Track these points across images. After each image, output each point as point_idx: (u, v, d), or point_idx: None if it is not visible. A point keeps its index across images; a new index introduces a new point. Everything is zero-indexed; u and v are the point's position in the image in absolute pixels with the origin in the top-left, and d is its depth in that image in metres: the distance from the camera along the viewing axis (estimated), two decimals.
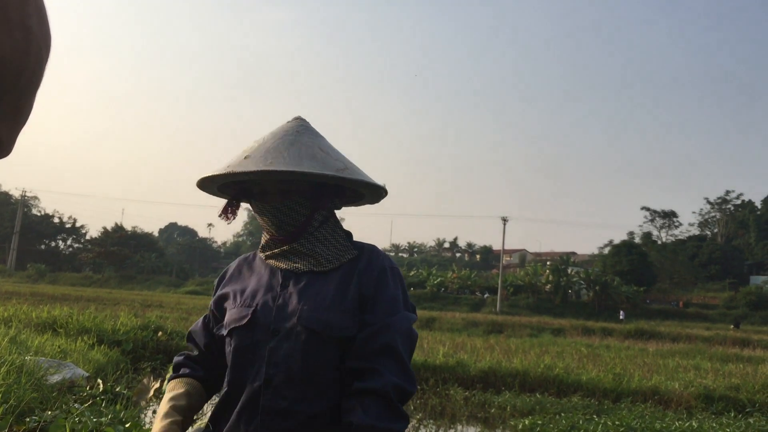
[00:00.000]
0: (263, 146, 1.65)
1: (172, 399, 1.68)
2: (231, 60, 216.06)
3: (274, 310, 1.63)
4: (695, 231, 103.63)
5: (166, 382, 1.87)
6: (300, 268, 1.68)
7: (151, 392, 5.62)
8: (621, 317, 48.45)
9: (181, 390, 1.70)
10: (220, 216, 1.81)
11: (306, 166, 1.57)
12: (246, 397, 1.59)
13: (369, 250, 1.75)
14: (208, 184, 1.75)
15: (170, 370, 1.86)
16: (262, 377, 1.58)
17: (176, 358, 1.83)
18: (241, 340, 1.64)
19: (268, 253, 1.74)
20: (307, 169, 1.56)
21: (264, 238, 1.77)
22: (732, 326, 44.04)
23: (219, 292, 1.79)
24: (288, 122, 1.77)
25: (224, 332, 1.70)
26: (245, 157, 1.61)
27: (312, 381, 1.57)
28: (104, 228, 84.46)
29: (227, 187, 1.77)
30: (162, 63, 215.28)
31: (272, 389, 1.57)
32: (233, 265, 1.85)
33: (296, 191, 1.66)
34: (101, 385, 7.38)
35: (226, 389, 1.66)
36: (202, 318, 1.86)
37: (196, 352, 1.81)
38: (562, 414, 9.32)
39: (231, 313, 1.69)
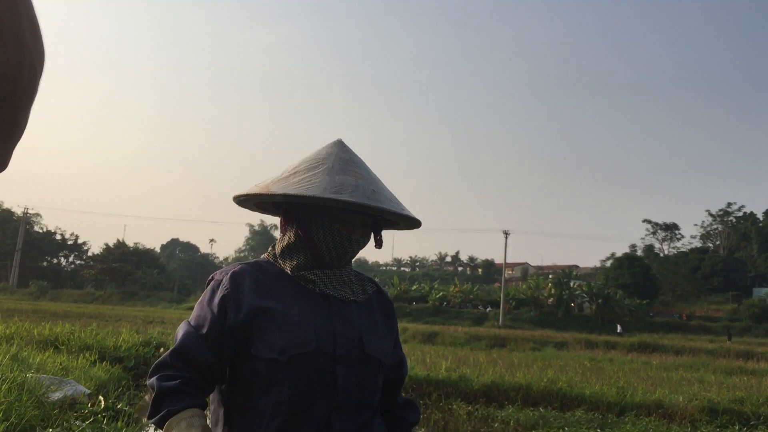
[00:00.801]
0: (372, 181, 1.67)
1: None
2: (232, 77, 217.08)
3: (332, 337, 1.62)
4: (697, 243, 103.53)
5: (158, 415, 1.52)
6: (348, 296, 1.70)
7: None
8: (619, 331, 48.07)
9: (202, 426, 1.50)
10: (282, 230, 1.72)
11: (408, 212, 1.71)
12: (315, 423, 1.57)
13: (379, 284, 1.86)
14: (245, 200, 1.77)
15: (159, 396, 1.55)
16: (330, 403, 1.58)
17: (166, 383, 1.54)
18: (305, 366, 1.57)
19: (311, 273, 1.67)
20: (420, 221, 1.76)
21: (302, 257, 1.68)
22: (727, 339, 44.20)
23: (250, 306, 1.60)
24: (343, 147, 1.74)
25: (279, 357, 1.56)
26: (372, 191, 1.62)
27: (370, 404, 1.68)
28: (106, 244, 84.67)
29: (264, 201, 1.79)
30: (163, 81, 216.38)
31: (343, 414, 1.60)
32: (243, 275, 1.66)
33: (368, 226, 1.73)
34: (103, 402, 7.36)
35: (283, 417, 1.56)
36: (194, 332, 1.61)
37: (190, 374, 1.57)
38: (566, 428, 9.27)
39: (285, 336, 1.57)
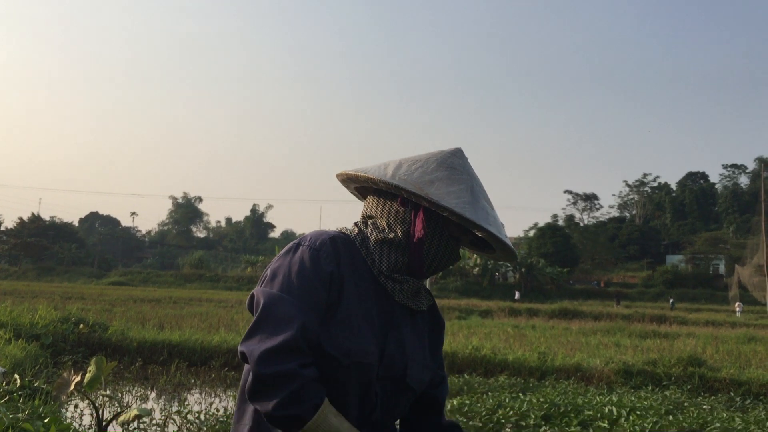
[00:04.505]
0: (495, 210, 1.59)
1: None
2: (151, 44, 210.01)
3: (380, 356, 1.53)
4: (615, 213, 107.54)
5: (314, 409, 1.38)
6: (420, 306, 1.62)
7: (72, 386, 5.44)
8: (516, 297, 49.34)
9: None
10: (419, 230, 1.53)
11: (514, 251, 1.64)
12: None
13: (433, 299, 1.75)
14: (348, 183, 1.68)
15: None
16: (360, 417, 1.53)
17: (308, 371, 1.37)
18: (356, 375, 1.48)
19: (402, 277, 1.57)
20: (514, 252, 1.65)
21: (400, 258, 1.56)
22: (615, 303, 46.97)
23: (342, 291, 1.48)
24: (467, 162, 1.62)
25: (342, 358, 1.44)
26: (502, 225, 1.58)
27: (393, 425, 1.65)
28: (20, 218, 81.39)
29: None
30: (80, 43, 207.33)
31: (378, 427, 1.57)
32: (344, 252, 1.52)
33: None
34: (18, 381, 7.11)
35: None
36: (306, 308, 1.42)
37: (311, 358, 1.41)
38: (490, 393, 9.48)
39: (353, 339, 1.47)
